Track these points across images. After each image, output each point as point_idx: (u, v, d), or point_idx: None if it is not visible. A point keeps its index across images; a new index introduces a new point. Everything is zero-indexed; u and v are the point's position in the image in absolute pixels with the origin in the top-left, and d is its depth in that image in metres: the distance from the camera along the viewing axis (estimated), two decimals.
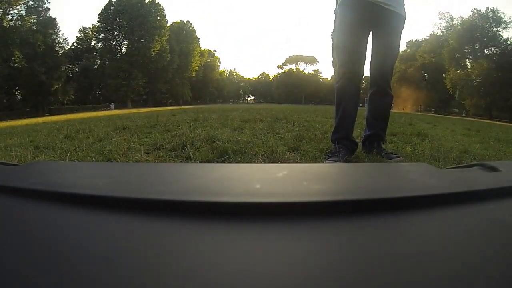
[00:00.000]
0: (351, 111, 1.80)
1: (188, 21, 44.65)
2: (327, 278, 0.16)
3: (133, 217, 0.23)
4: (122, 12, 35.05)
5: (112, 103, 33.55)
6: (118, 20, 35.44)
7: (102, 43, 36.85)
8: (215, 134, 2.48)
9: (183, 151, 1.92)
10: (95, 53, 39.13)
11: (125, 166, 0.57)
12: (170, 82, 39.73)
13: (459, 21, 31.82)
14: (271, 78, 67.87)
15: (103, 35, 36.33)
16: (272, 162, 1.65)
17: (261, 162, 1.64)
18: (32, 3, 26.65)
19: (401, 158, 1.77)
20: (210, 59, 52.52)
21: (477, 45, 30.12)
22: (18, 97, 29.60)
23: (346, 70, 1.76)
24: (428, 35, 40.07)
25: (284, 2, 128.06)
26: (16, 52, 23.80)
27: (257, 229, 0.22)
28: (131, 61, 34.60)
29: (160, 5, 37.14)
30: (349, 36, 1.75)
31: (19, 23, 24.99)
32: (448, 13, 38.57)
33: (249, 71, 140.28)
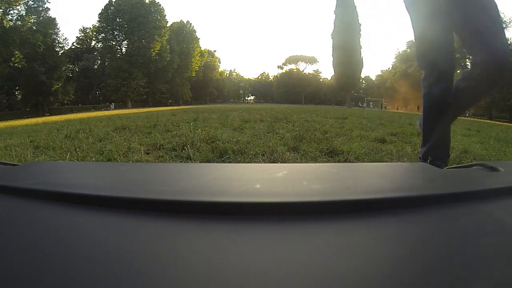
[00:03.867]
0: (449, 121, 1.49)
1: (188, 21, 44.74)
2: (327, 277, 0.16)
3: (133, 217, 0.23)
4: (122, 12, 35.07)
5: (112, 103, 33.59)
6: (118, 20, 35.46)
7: (102, 43, 36.88)
8: (215, 134, 2.49)
9: (183, 151, 1.92)
10: (95, 53, 39.18)
11: (125, 166, 0.57)
12: (170, 82, 39.76)
13: None
14: (271, 78, 67.95)
15: (103, 35, 36.35)
16: (272, 162, 1.65)
17: (261, 162, 1.64)
18: (32, 3, 26.66)
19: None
20: (210, 59, 52.57)
21: None
22: (18, 97, 29.63)
23: (445, 70, 1.39)
24: None
25: (284, 2, 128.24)
26: (16, 52, 23.80)
27: (257, 229, 0.22)
28: (131, 61, 34.61)
29: (160, 5, 37.17)
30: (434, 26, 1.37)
31: (19, 23, 24.98)
32: None
33: (249, 71, 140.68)
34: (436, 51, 1.39)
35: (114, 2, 35.61)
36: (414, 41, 1.51)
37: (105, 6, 35.80)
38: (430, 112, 1.46)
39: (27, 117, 20.82)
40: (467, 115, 28.05)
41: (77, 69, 38.70)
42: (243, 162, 1.66)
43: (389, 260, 0.18)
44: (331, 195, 0.27)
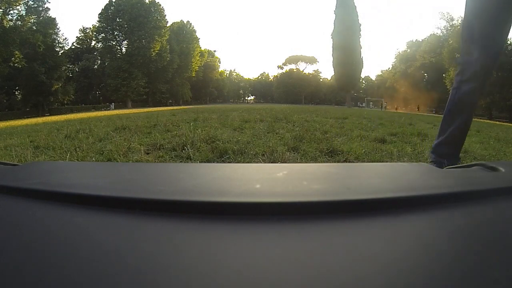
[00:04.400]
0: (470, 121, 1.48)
1: (188, 21, 44.73)
2: (327, 277, 0.16)
3: (133, 217, 0.23)
4: (122, 12, 35.05)
5: (112, 103, 33.58)
6: (118, 20, 35.44)
7: (102, 43, 36.87)
8: (215, 134, 2.49)
9: (183, 151, 1.92)
10: (95, 53, 39.18)
11: (125, 166, 0.57)
12: (170, 82, 39.74)
13: (459, 21, 31.82)
14: (271, 78, 67.94)
15: (103, 35, 36.34)
16: (272, 162, 1.65)
17: (261, 162, 1.64)
18: (32, 3, 26.65)
19: None
20: (210, 59, 52.55)
21: None
22: (18, 97, 29.62)
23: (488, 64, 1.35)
24: (428, 35, 40.17)
25: (284, 2, 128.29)
26: (16, 52, 23.79)
27: (257, 229, 0.22)
28: (131, 61, 34.59)
29: (160, 5, 37.15)
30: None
31: (19, 23, 24.96)
32: (448, 13, 38.63)
33: (249, 71, 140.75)
34: (480, 52, 1.34)
35: (114, 2, 35.60)
36: (461, 33, 1.46)
37: (105, 6, 35.79)
38: (453, 107, 1.46)
39: (27, 117, 20.83)
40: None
41: (77, 69, 38.71)
42: (243, 162, 1.66)
43: (389, 260, 0.18)
44: (331, 195, 0.27)
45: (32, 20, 26.46)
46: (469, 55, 1.39)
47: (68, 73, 35.49)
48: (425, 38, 39.59)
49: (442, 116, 1.54)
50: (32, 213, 0.25)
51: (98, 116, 8.75)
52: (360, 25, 33.28)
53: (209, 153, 1.83)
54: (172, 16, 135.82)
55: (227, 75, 67.66)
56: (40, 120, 9.72)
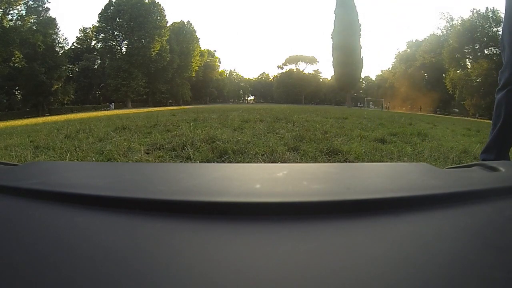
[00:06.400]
0: None
1: (188, 21, 44.73)
2: (327, 278, 0.16)
3: (133, 217, 0.23)
4: (122, 12, 35.05)
5: (112, 103, 33.59)
6: (118, 20, 35.44)
7: (102, 43, 36.87)
8: (215, 134, 2.49)
9: (183, 151, 1.92)
10: (95, 53, 39.17)
11: (125, 166, 0.57)
12: (170, 82, 39.73)
13: (459, 21, 31.84)
14: (271, 78, 67.93)
15: (103, 35, 36.34)
16: (272, 162, 1.65)
17: (261, 162, 1.64)
18: (32, 3, 26.65)
19: None
20: (210, 59, 52.53)
21: (477, 45, 30.10)
22: (18, 97, 29.61)
23: None
24: (428, 35, 40.18)
25: (284, 2, 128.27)
26: (16, 52, 23.79)
27: (257, 229, 0.22)
28: (131, 61, 34.59)
29: (160, 5, 37.15)
30: None
31: (19, 23, 24.97)
32: (448, 13, 38.68)
33: (249, 71, 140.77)
34: None
35: (114, 2, 35.59)
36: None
37: (105, 6, 35.79)
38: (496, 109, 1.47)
39: (27, 117, 20.83)
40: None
41: (77, 69, 38.69)
42: (243, 162, 1.66)
43: (389, 261, 0.18)
44: (331, 195, 0.27)
45: (32, 20, 26.46)
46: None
47: (68, 73, 35.46)
48: (425, 38, 39.62)
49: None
50: (32, 213, 0.25)
51: (98, 116, 8.75)
52: (360, 25, 33.28)
53: (209, 153, 1.83)
54: (172, 16, 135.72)
55: (227, 75, 67.64)
56: (40, 120, 9.72)
